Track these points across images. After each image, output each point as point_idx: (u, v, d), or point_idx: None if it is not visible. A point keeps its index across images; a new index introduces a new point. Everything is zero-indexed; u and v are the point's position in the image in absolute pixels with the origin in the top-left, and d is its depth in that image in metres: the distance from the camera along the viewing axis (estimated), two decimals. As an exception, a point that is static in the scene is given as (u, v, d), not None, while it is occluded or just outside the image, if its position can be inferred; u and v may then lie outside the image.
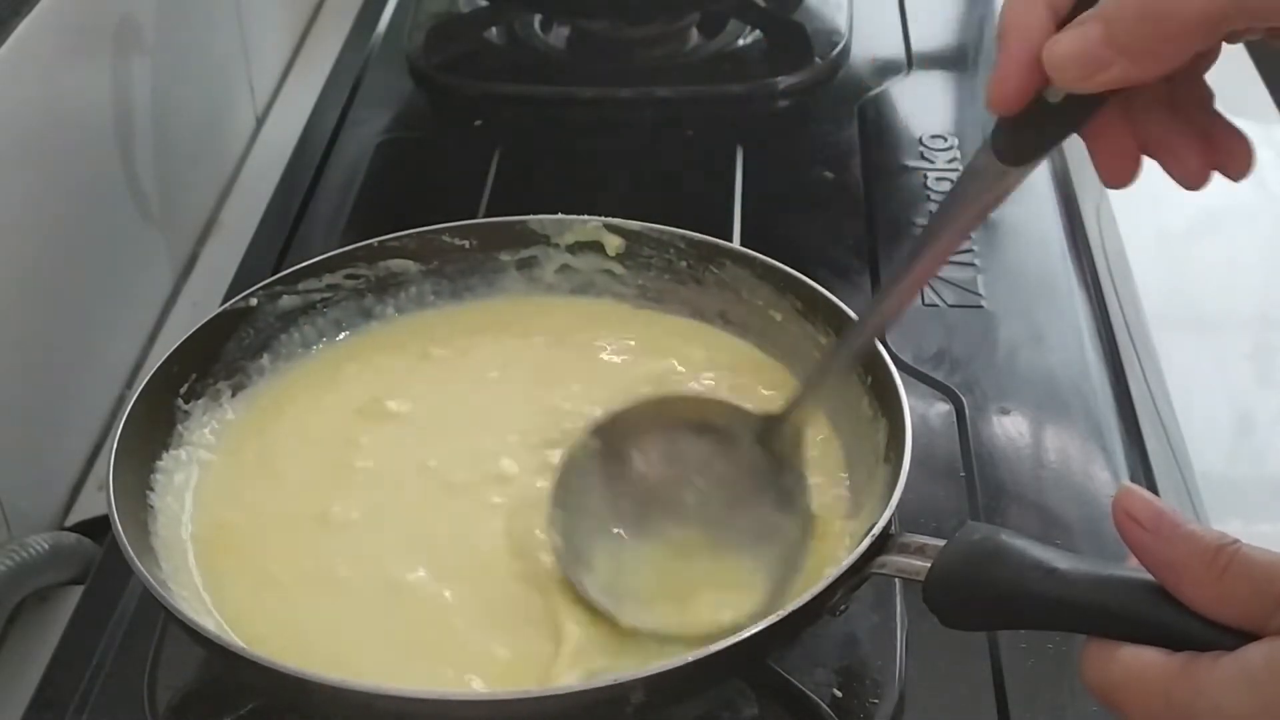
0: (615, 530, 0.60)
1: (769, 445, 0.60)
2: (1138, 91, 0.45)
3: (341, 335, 0.71)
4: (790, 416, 0.59)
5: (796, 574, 0.57)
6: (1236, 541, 0.44)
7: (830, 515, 0.61)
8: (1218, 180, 0.47)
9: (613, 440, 0.61)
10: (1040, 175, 0.93)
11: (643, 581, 0.59)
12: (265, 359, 0.69)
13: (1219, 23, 0.41)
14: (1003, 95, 0.46)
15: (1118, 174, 0.47)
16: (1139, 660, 0.45)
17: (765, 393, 0.67)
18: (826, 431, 0.65)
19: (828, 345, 0.62)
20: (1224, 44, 0.45)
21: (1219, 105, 0.47)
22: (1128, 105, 0.46)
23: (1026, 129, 0.47)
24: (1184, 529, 0.45)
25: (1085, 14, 0.43)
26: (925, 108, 1.00)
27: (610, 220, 0.72)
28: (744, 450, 0.60)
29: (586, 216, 0.72)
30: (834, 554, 0.58)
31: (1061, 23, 0.44)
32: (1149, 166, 0.48)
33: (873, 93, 1.00)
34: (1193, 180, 0.47)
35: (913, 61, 1.05)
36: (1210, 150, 0.46)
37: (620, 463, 0.61)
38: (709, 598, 0.57)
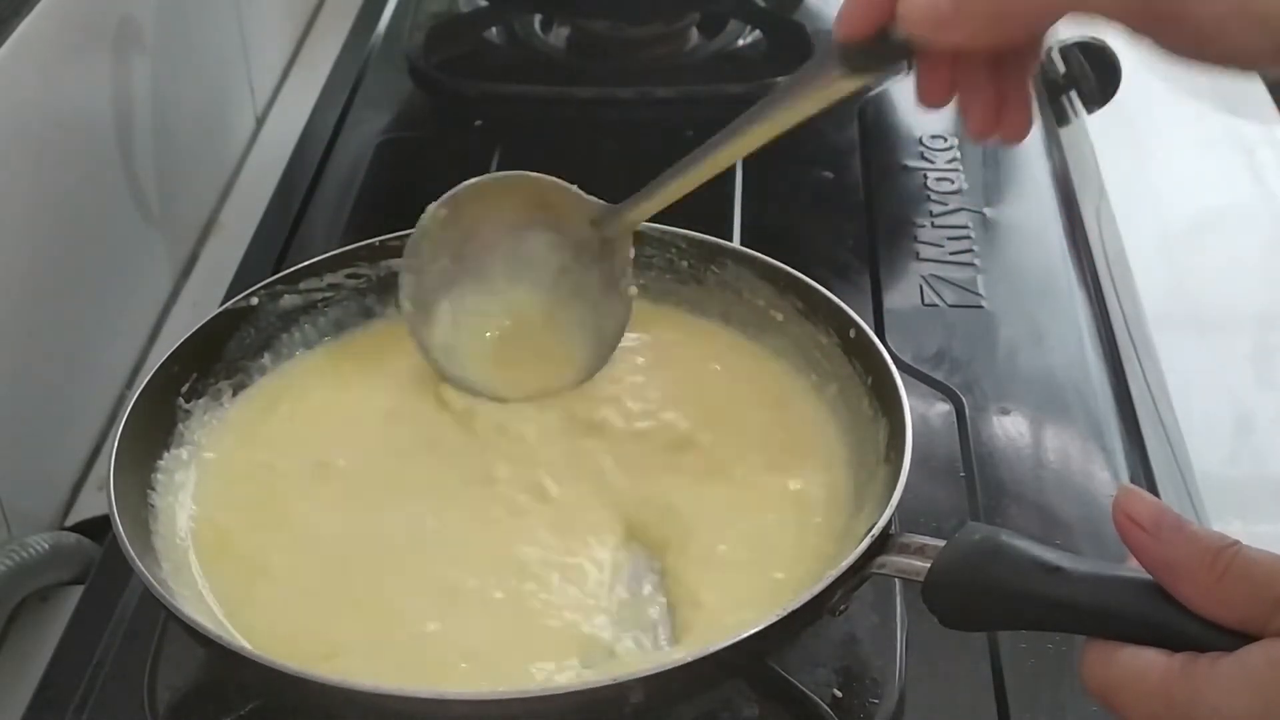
0: (455, 293, 0.68)
1: (601, 231, 0.66)
2: None
3: (343, 334, 0.71)
4: (624, 212, 0.65)
5: (607, 352, 0.67)
6: (1236, 543, 0.44)
7: (831, 515, 0.61)
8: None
9: (461, 212, 0.67)
10: (1040, 175, 0.93)
11: (475, 343, 0.68)
12: (266, 358, 0.69)
13: (1061, 10, 0.44)
14: (850, 27, 0.50)
15: (931, 98, 0.51)
16: (1138, 661, 0.45)
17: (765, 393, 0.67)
18: (827, 431, 0.65)
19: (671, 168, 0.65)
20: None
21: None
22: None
23: (870, 48, 0.50)
24: (1184, 530, 0.45)
25: None
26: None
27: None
28: (579, 232, 0.67)
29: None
30: (836, 554, 0.58)
31: None
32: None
33: (873, 93, 1.00)
34: (975, 131, 0.51)
35: (913, 62, 1.05)
36: (993, 113, 0.50)
37: (466, 233, 0.67)
38: (531, 368, 0.67)
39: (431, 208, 0.67)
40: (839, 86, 0.53)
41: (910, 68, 0.51)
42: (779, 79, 0.97)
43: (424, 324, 0.67)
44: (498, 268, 0.68)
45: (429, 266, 0.67)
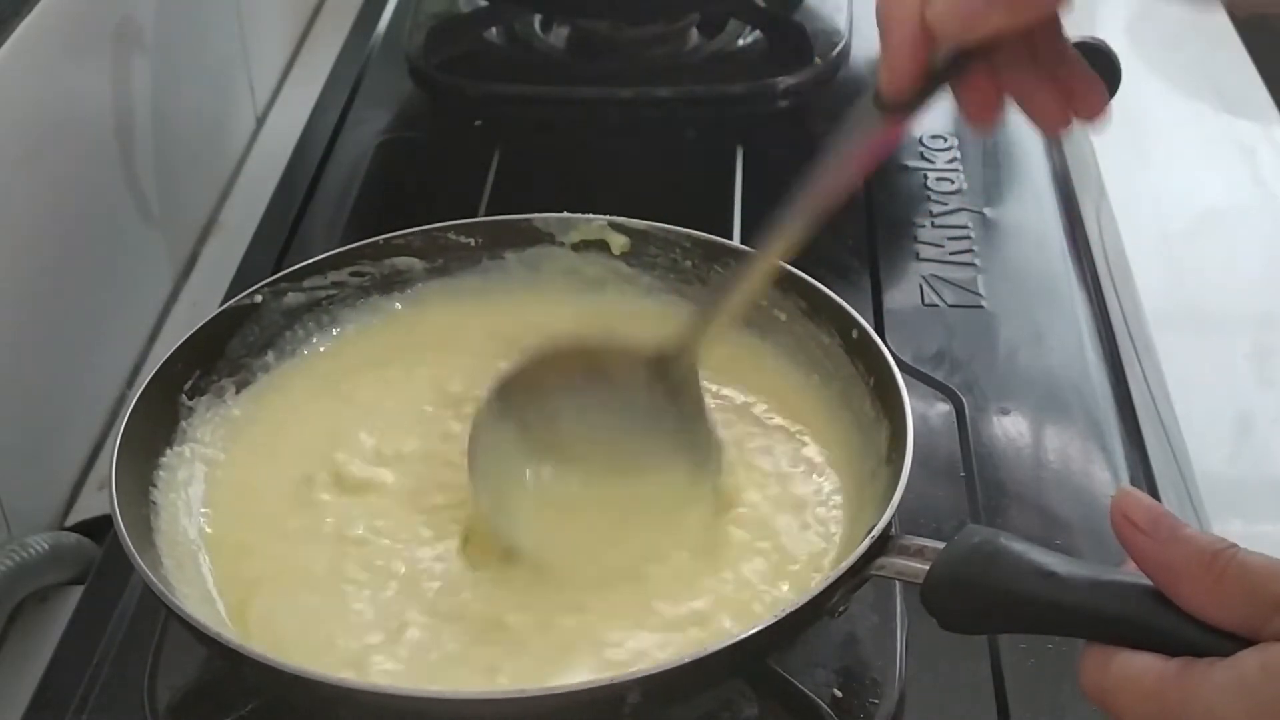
0: (533, 491, 0.61)
1: (664, 381, 0.60)
2: (1004, 49, 0.49)
3: (346, 332, 0.71)
4: (683, 351, 0.60)
5: (709, 500, 0.60)
6: (1234, 546, 0.44)
7: (831, 516, 0.61)
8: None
9: (514, 400, 0.61)
10: (1040, 175, 0.93)
11: (549, 529, 0.60)
12: (270, 356, 0.69)
13: None
14: (898, 82, 0.49)
15: (982, 116, 0.51)
16: (1134, 665, 0.45)
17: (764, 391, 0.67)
18: (827, 431, 0.65)
19: (720, 277, 0.63)
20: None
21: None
22: (994, 68, 0.50)
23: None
24: (1181, 532, 0.45)
25: None
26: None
27: (615, 219, 0.72)
28: (640, 391, 0.61)
29: (591, 215, 0.72)
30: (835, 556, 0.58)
31: None
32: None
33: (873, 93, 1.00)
34: (1051, 124, 0.51)
35: (952, 85, 1.05)
36: (1066, 96, 0.51)
37: (525, 423, 0.61)
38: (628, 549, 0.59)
39: (483, 402, 0.61)
40: (886, 134, 0.52)
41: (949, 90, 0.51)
42: (779, 79, 0.99)
43: (498, 512, 0.60)
44: (556, 453, 0.62)
45: (494, 460, 0.61)
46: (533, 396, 0.61)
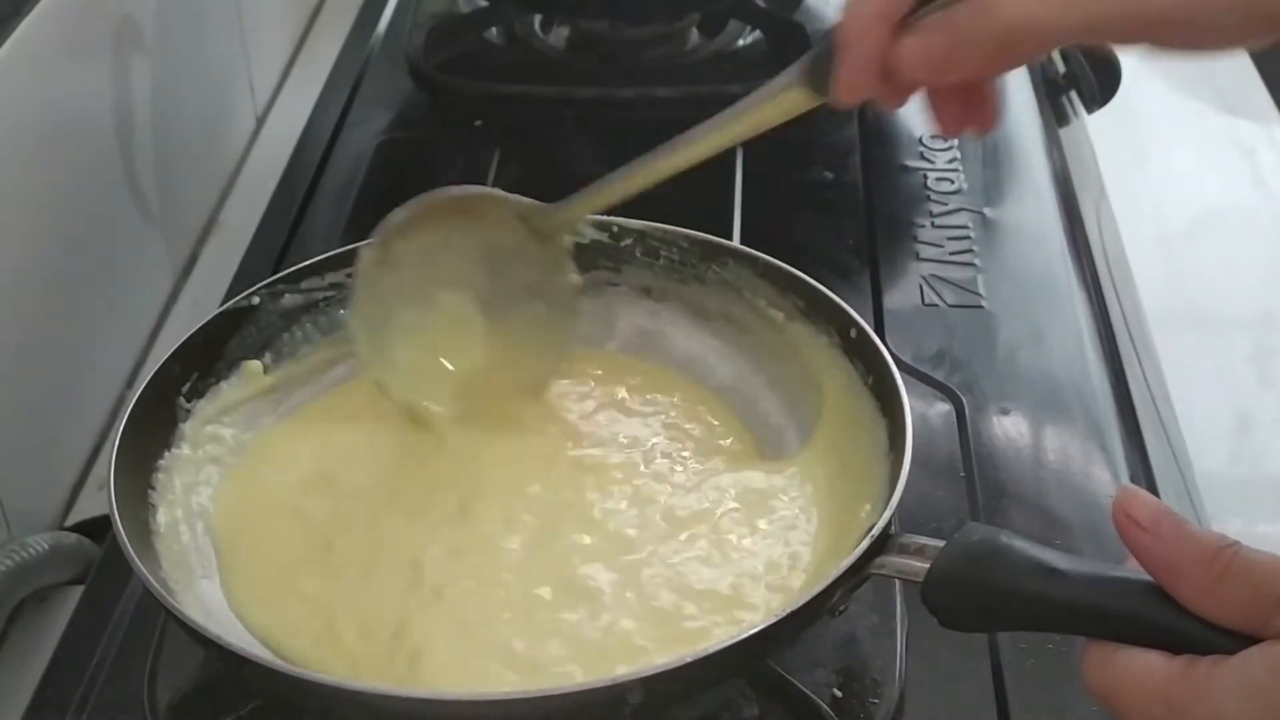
0: (401, 320, 0.66)
1: (535, 232, 0.66)
2: None
3: (344, 332, 0.71)
4: (560, 210, 0.65)
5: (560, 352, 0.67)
6: (1236, 543, 0.44)
7: (831, 515, 0.61)
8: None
9: (391, 247, 0.65)
10: (1040, 175, 0.93)
11: (429, 368, 0.67)
12: (268, 357, 0.69)
13: (1060, 41, 0.47)
14: (853, 95, 0.51)
15: (892, 102, 0.52)
16: (1138, 663, 0.45)
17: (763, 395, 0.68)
18: (827, 431, 0.65)
19: (601, 179, 0.65)
20: None
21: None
22: None
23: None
24: (1184, 530, 0.45)
25: (932, 19, 0.48)
26: (925, 108, 1.00)
27: (612, 219, 0.72)
28: (513, 237, 0.66)
29: (589, 215, 0.72)
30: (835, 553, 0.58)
31: (896, 27, 0.49)
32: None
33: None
34: (947, 128, 0.53)
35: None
36: (968, 105, 0.52)
37: (401, 265, 0.66)
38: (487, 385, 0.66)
39: (362, 249, 0.66)
40: (801, 104, 0.55)
41: None
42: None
43: (380, 363, 0.66)
44: (437, 287, 0.67)
45: (371, 304, 0.66)
46: (413, 244, 0.65)
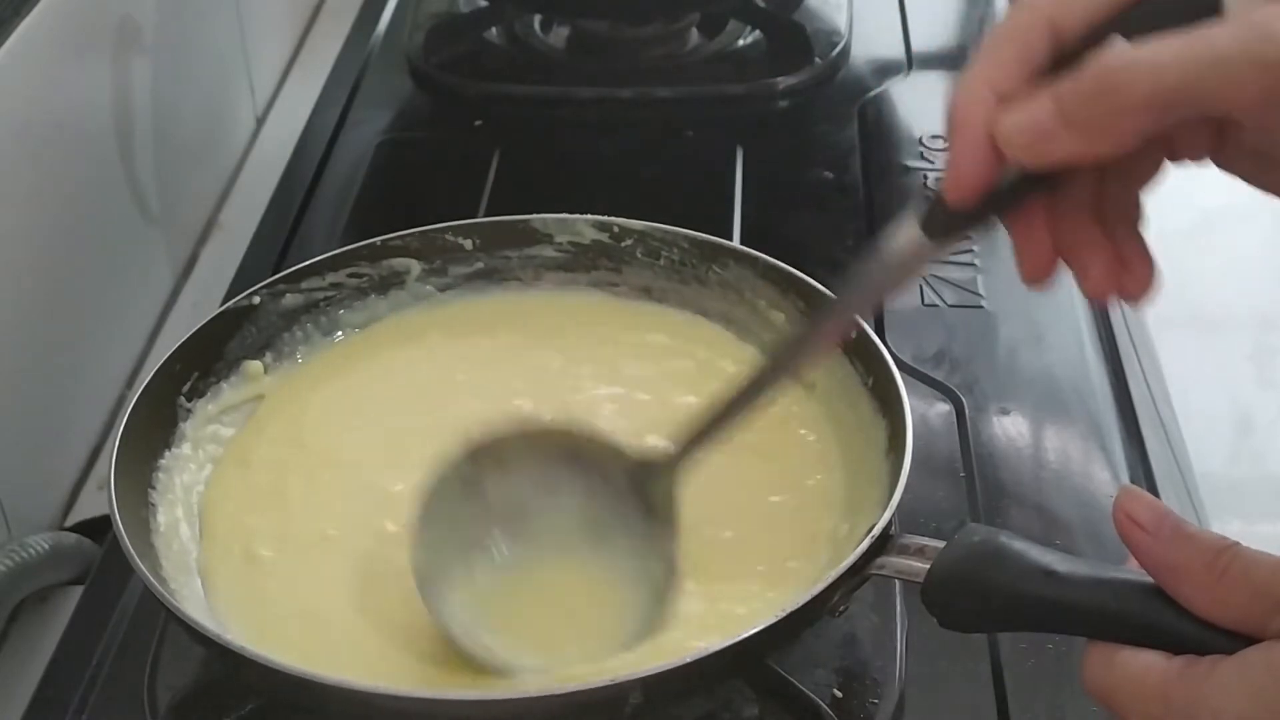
0: (477, 559, 0.58)
1: (643, 491, 0.57)
2: (1067, 195, 0.46)
3: (343, 333, 0.71)
4: (668, 466, 0.56)
5: (656, 628, 0.55)
6: (1236, 544, 0.44)
7: (830, 515, 0.61)
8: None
9: (484, 464, 0.58)
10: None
11: (499, 614, 0.57)
12: (268, 357, 0.69)
13: (1167, 105, 0.41)
14: (962, 187, 0.45)
15: (1034, 271, 0.47)
16: (1137, 663, 0.45)
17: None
18: (826, 430, 0.65)
19: (714, 398, 0.56)
20: (1168, 164, 0.46)
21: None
22: (1054, 206, 0.46)
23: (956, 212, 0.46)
24: (1184, 531, 0.45)
25: (1039, 89, 0.43)
26: (925, 108, 1.00)
27: (613, 219, 0.72)
28: (617, 493, 0.58)
29: (589, 215, 0.72)
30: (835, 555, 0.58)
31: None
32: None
33: (873, 93, 1.00)
34: (1095, 289, 0.47)
35: (913, 61, 1.05)
36: (1117, 269, 0.46)
37: (489, 490, 0.58)
38: (567, 643, 0.56)
39: (452, 456, 0.57)
40: (924, 256, 0.48)
41: (997, 225, 0.47)
42: (779, 79, 0.99)
43: (437, 592, 0.57)
44: (522, 539, 0.59)
45: (443, 525, 0.57)
46: (499, 467, 0.58)
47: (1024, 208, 0.46)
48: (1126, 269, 0.46)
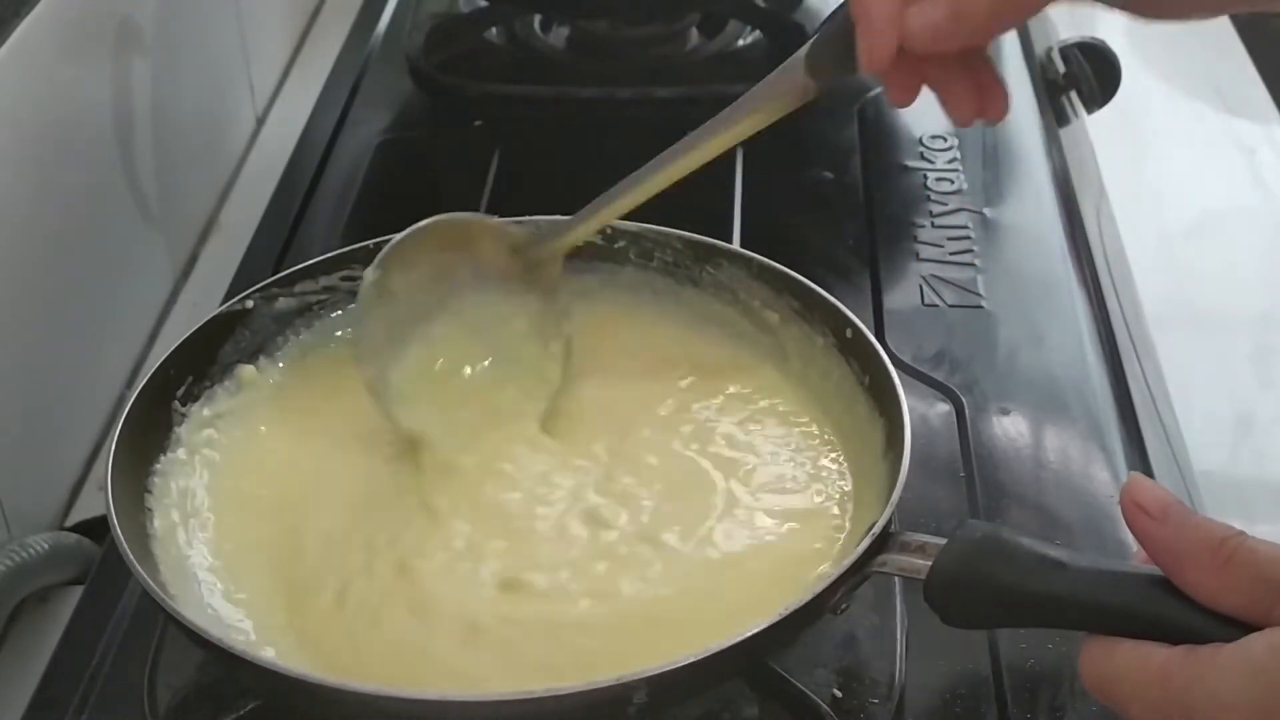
0: (400, 347, 0.66)
1: (532, 268, 0.67)
2: None
3: (337, 336, 0.71)
4: (551, 239, 0.66)
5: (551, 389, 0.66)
6: (1241, 533, 0.44)
7: (830, 515, 0.61)
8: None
9: (391, 273, 0.65)
10: (1040, 175, 0.93)
11: (428, 392, 0.66)
12: (262, 361, 0.69)
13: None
14: (875, 62, 0.53)
15: (902, 96, 0.55)
16: (1138, 651, 0.45)
17: (762, 399, 0.67)
18: (826, 430, 0.65)
19: (600, 197, 0.65)
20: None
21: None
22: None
23: (844, 58, 0.54)
24: (1190, 519, 0.45)
25: None
26: (925, 108, 0.99)
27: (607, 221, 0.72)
28: (503, 263, 0.67)
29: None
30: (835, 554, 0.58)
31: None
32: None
33: (873, 93, 1.00)
34: (962, 116, 0.55)
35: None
36: (976, 96, 0.55)
37: (400, 290, 0.65)
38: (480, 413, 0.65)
39: (367, 273, 0.65)
40: (802, 93, 0.57)
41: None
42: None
43: (380, 385, 0.65)
44: (432, 318, 0.67)
45: (374, 327, 0.65)
46: (411, 273, 0.65)
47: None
48: (985, 94, 0.55)
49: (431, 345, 0.67)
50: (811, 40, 0.57)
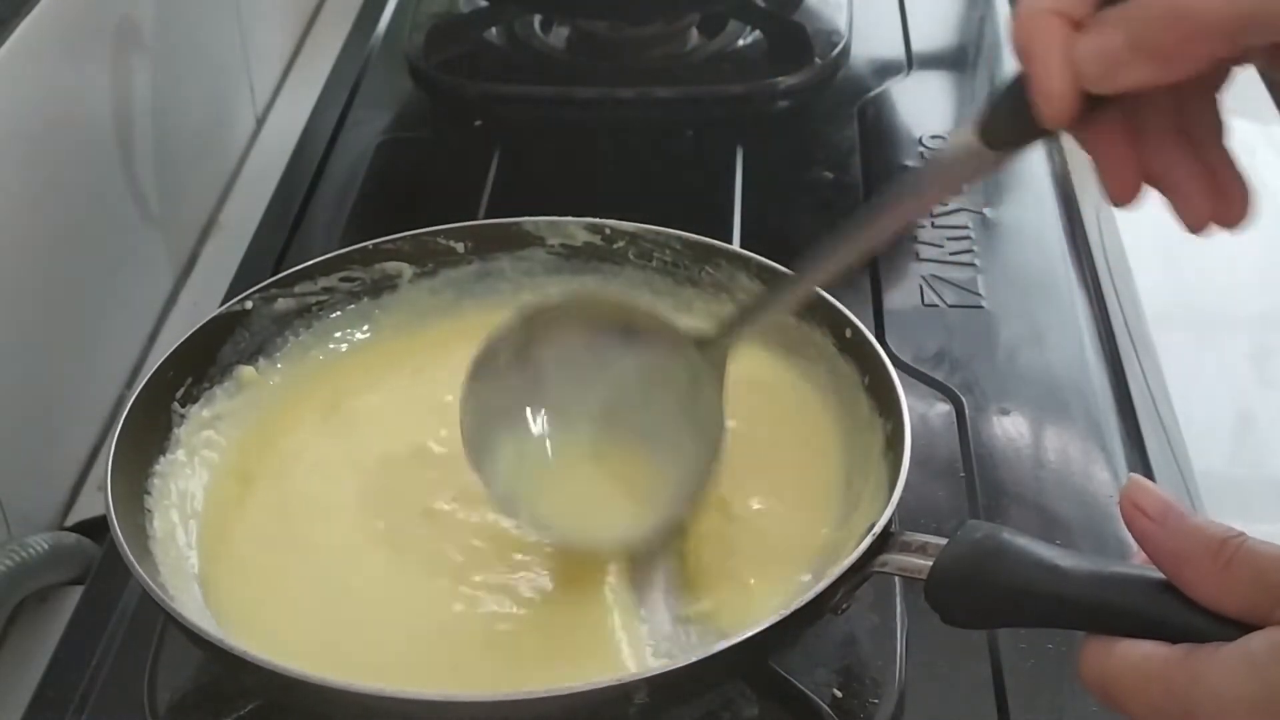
0: (525, 424, 0.60)
1: (693, 366, 0.60)
2: (1148, 113, 0.46)
3: (337, 336, 0.71)
4: (719, 342, 0.59)
5: (698, 495, 0.59)
6: (1242, 534, 0.44)
7: (831, 515, 0.61)
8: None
9: (536, 332, 0.60)
10: (1040, 175, 0.93)
11: (544, 481, 0.60)
12: (261, 362, 0.69)
13: (1239, 29, 0.41)
14: (1055, 108, 0.44)
15: (1120, 193, 0.47)
16: (1138, 650, 0.45)
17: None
18: (826, 430, 0.65)
19: (766, 286, 0.62)
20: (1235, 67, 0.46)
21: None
22: (1137, 127, 0.46)
23: (1021, 119, 0.46)
24: (1190, 521, 0.45)
25: (1107, 13, 0.43)
26: (925, 108, 1.00)
27: (605, 221, 0.72)
28: (668, 365, 0.60)
29: (581, 218, 0.72)
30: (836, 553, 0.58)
31: (1077, 28, 0.43)
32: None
33: (873, 93, 1.00)
34: (1193, 219, 0.46)
35: (913, 61, 1.05)
36: (1212, 193, 0.46)
37: (540, 358, 0.61)
38: (608, 511, 0.59)
39: (504, 321, 0.59)
40: (984, 167, 0.49)
41: (1056, 138, 0.47)
42: (779, 79, 0.99)
43: (485, 457, 0.60)
44: (572, 407, 0.61)
45: (493, 392, 0.60)
46: (552, 339, 0.60)
47: (1100, 126, 0.46)
48: (1221, 194, 0.46)
49: (554, 432, 0.61)
50: (985, 103, 0.48)
